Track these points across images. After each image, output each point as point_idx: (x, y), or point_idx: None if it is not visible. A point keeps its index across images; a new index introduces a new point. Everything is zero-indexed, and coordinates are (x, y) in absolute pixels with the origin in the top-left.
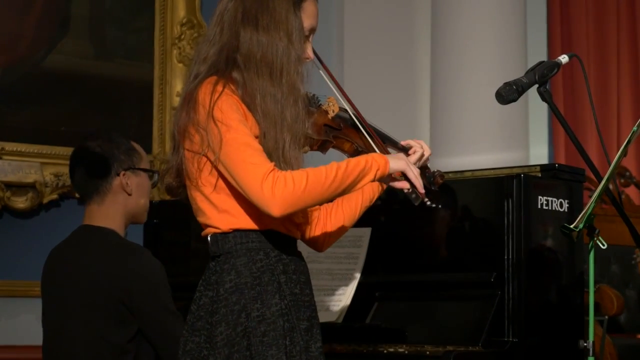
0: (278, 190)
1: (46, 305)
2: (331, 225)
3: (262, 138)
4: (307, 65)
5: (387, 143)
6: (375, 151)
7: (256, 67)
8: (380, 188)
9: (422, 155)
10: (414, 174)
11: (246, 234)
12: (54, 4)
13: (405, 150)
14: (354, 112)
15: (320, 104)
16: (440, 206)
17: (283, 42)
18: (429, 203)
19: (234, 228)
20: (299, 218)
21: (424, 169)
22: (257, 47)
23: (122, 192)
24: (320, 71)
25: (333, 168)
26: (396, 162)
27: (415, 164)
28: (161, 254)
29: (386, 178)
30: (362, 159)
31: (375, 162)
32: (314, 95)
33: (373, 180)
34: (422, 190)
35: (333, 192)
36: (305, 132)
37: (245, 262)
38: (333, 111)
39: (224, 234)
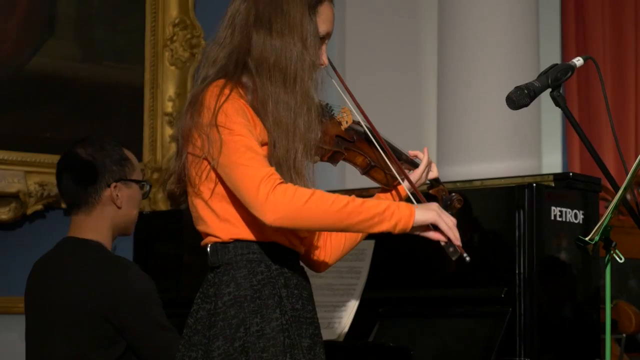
0: (275, 196)
1: (29, 321)
2: (332, 246)
3: (271, 147)
4: (322, 73)
5: (402, 161)
6: (389, 168)
7: (269, 72)
8: None
9: (426, 167)
10: (448, 226)
11: (247, 244)
12: (38, 4)
13: (416, 164)
14: (368, 125)
15: (334, 114)
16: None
17: (297, 47)
18: (468, 258)
19: (235, 238)
20: (303, 232)
21: (441, 191)
22: (271, 52)
23: (112, 204)
24: (334, 81)
25: (345, 198)
26: (424, 214)
27: (420, 179)
28: (152, 267)
29: (417, 227)
30: (383, 203)
31: (398, 212)
32: (327, 104)
33: (392, 232)
34: (458, 243)
35: (336, 223)
36: (317, 141)
37: (245, 274)
38: (347, 122)
39: (224, 243)
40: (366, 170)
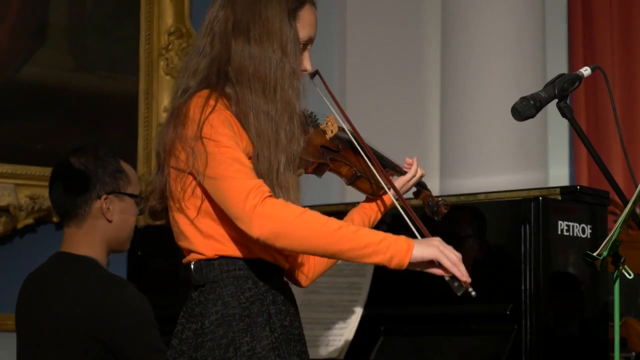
0: (263, 208)
1: (20, 339)
2: (315, 260)
3: (255, 159)
4: (304, 80)
5: (388, 168)
6: (375, 177)
7: (248, 82)
8: (370, 220)
9: (412, 177)
10: (451, 262)
11: (233, 261)
12: (29, 12)
13: (403, 173)
14: (352, 131)
15: (318, 123)
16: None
17: (277, 54)
18: (473, 293)
19: (220, 254)
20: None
21: (427, 196)
22: (249, 61)
23: (102, 217)
24: (317, 88)
25: (338, 222)
26: (424, 250)
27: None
28: (147, 284)
29: (416, 264)
30: (379, 234)
31: (395, 246)
32: (311, 113)
33: (387, 266)
34: (464, 279)
35: (325, 246)
36: (300, 152)
37: (232, 292)
38: (332, 131)
39: (209, 260)
40: (352, 181)
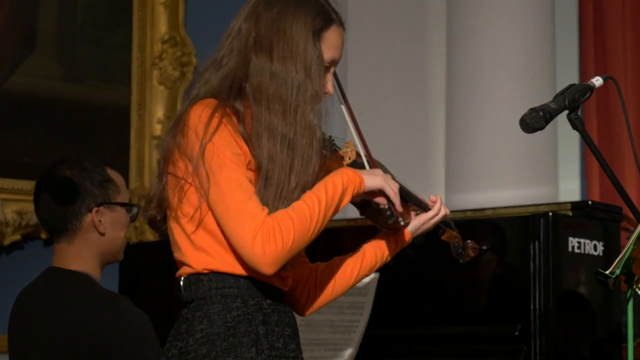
0: (270, 249)
1: (12, 359)
2: (318, 290)
3: (262, 183)
4: (325, 102)
5: (410, 203)
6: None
7: (267, 101)
8: (383, 256)
9: (435, 215)
10: (394, 192)
11: (223, 277)
12: (17, 18)
13: (427, 209)
14: (368, 159)
15: (336, 148)
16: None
17: (300, 75)
18: (402, 223)
19: (210, 269)
20: (285, 272)
21: (453, 237)
22: (270, 80)
23: (94, 230)
24: (342, 106)
25: (315, 204)
26: (372, 180)
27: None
28: (139, 301)
29: (361, 194)
30: (337, 181)
31: (351, 182)
32: (330, 137)
33: (350, 199)
34: (399, 209)
35: (319, 230)
36: (314, 180)
37: (219, 310)
38: (350, 158)
39: (198, 276)
40: (364, 210)
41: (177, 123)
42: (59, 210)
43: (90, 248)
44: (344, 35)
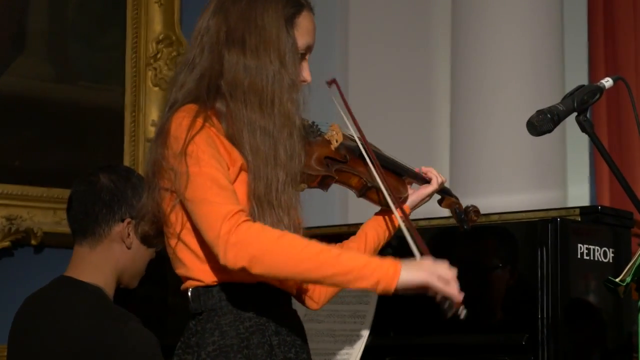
0: (238, 235)
1: None
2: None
3: (251, 178)
4: (304, 90)
5: (405, 177)
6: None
7: (244, 96)
8: (385, 234)
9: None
10: (443, 284)
11: (233, 287)
12: (6, 18)
13: (425, 180)
14: (361, 140)
15: (321, 133)
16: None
17: (274, 65)
18: (462, 315)
19: (219, 281)
20: (274, 281)
21: (453, 203)
22: (245, 73)
23: (121, 242)
24: (333, 97)
25: (320, 246)
26: (413, 275)
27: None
28: (133, 311)
29: (407, 288)
30: (363, 259)
31: (379, 270)
32: (313, 122)
33: (375, 292)
34: (457, 300)
35: (306, 272)
36: (302, 169)
37: (231, 321)
38: (337, 140)
39: (207, 287)
40: (363, 193)
41: (159, 134)
42: (93, 210)
43: (110, 260)
44: (314, 21)
